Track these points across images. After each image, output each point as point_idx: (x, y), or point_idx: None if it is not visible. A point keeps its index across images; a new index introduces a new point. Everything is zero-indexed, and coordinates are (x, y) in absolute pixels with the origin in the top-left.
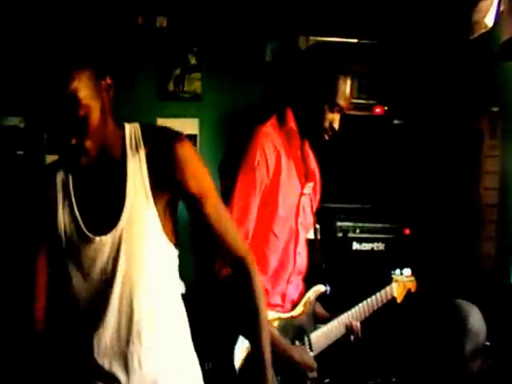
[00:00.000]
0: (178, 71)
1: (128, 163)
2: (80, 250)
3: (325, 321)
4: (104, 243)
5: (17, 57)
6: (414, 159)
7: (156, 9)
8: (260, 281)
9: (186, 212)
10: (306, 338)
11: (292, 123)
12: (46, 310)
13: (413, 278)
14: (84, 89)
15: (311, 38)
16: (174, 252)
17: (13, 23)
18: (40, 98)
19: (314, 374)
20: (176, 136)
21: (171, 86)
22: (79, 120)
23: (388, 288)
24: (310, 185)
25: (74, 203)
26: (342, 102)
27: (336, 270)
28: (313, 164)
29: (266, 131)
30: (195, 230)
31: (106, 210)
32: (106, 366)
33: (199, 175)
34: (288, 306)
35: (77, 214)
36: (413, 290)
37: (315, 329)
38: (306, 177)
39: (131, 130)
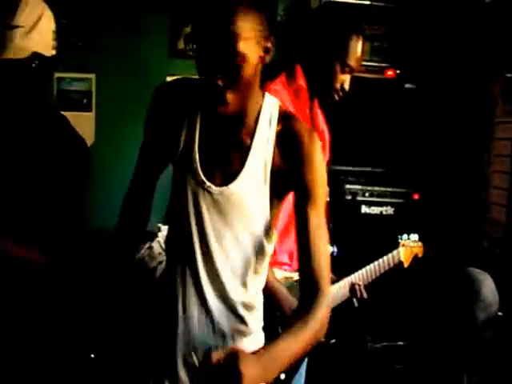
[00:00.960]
0: (188, 29)
1: (256, 133)
2: (188, 189)
3: (331, 282)
4: (213, 192)
5: None
6: (425, 124)
7: None
8: (324, 316)
9: None
10: None
11: (301, 80)
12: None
13: (420, 243)
14: (247, 38)
15: None
16: (270, 241)
17: None
18: (204, 28)
19: None
20: (311, 133)
21: (181, 44)
22: (232, 67)
23: (395, 252)
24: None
25: (197, 142)
26: (352, 62)
27: (344, 232)
28: (321, 124)
29: (274, 89)
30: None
31: (223, 165)
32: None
33: (318, 178)
34: (295, 265)
35: (196, 155)
36: (420, 255)
37: None
38: None
39: (270, 102)
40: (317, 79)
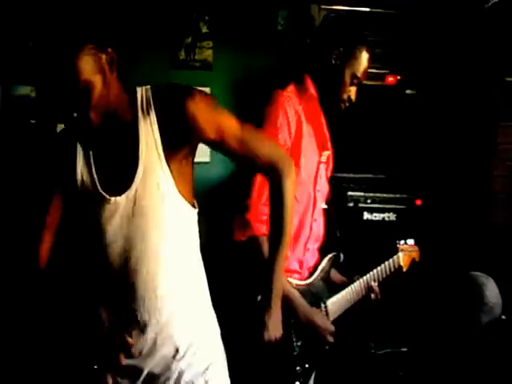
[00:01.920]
0: (189, 40)
1: (139, 125)
2: (96, 209)
3: (339, 288)
4: (118, 203)
5: (22, 26)
6: (427, 129)
7: None
8: (292, 182)
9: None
10: (322, 305)
11: (312, 89)
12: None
13: (416, 248)
14: (83, 64)
15: (323, 6)
16: (192, 211)
17: None
18: (42, 71)
19: (332, 339)
20: (183, 90)
21: (182, 55)
22: (79, 95)
23: (395, 257)
24: (326, 153)
25: (93, 163)
26: (361, 74)
27: (347, 239)
28: (326, 133)
29: (287, 95)
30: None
31: (120, 171)
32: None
33: (213, 119)
34: (305, 273)
35: (94, 174)
36: (417, 259)
37: (331, 296)
38: (322, 145)
39: (142, 92)
40: (325, 90)
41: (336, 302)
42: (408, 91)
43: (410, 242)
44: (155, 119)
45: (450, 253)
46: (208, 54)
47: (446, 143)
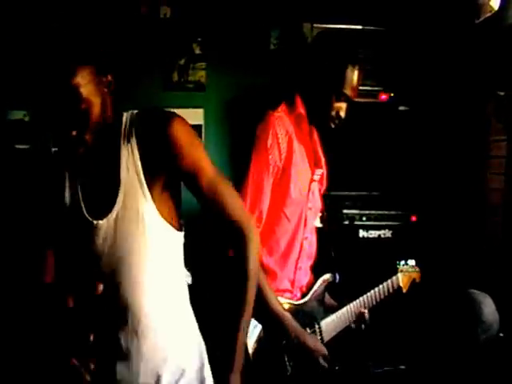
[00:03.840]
0: (182, 61)
1: (121, 149)
2: (81, 232)
3: (333, 310)
4: (100, 227)
5: (20, 50)
6: (420, 145)
7: None
8: (256, 248)
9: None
10: (316, 326)
11: (301, 109)
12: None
13: (417, 269)
14: (86, 84)
15: (315, 25)
16: (176, 236)
17: (16, 16)
18: (43, 92)
19: (325, 363)
20: (164, 115)
21: (175, 76)
22: (80, 114)
23: (394, 278)
24: (320, 172)
25: (79, 188)
26: (349, 91)
27: (343, 257)
28: (320, 151)
29: (278, 115)
30: (203, 210)
31: (103, 195)
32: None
33: (191, 150)
34: (297, 292)
35: (80, 196)
36: (417, 280)
37: (325, 316)
38: (315, 163)
39: (126, 117)
40: (313, 107)
41: (330, 323)
42: (401, 107)
43: (411, 262)
44: (136, 144)
45: (447, 268)
46: (201, 74)
47: (439, 158)
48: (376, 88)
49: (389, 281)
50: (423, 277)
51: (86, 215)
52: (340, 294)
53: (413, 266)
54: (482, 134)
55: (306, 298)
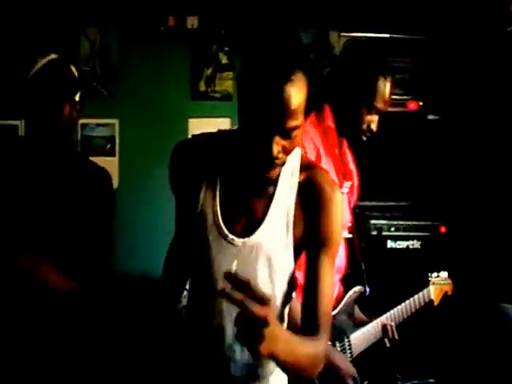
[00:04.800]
0: (209, 71)
1: (279, 183)
2: (208, 241)
3: (363, 324)
4: (236, 243)
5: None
6: (450, 155)
7: (187, 8)
8: (322, 356)
9: None
10: (345, 339)
11: (329, 121)
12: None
13: (450, 281)
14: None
15: (343, 33)
16: (292, 289)
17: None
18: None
19: (352, 383)
20: (330, 181)
21: (203, 86)
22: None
23: (425, 291)
24: (348, 184)
25: (218, 195)
26: (380, 104)
27: (371, 269)
28: (351, 164)
29: (305, 130)
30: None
31: (245, 217)
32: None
33: (335, 227)
34: None
35: (218, 208)
36: (449, 292)
37: (354, 330)
38: (343, 176)
39: (292, 154)
40: (344, 120)
41: (360, 337)
42: (430, 116)
43: (444, 274)
44: (296, 187)
45: (478, 281)
46: (228, 84)
47: (469, 168)
48: (405, 97)
49: (420, 293)
50: (456, 293)
51: (224, 229)
52: (370, 307)
53: (445, 278)
54: None
55: (335, 312)
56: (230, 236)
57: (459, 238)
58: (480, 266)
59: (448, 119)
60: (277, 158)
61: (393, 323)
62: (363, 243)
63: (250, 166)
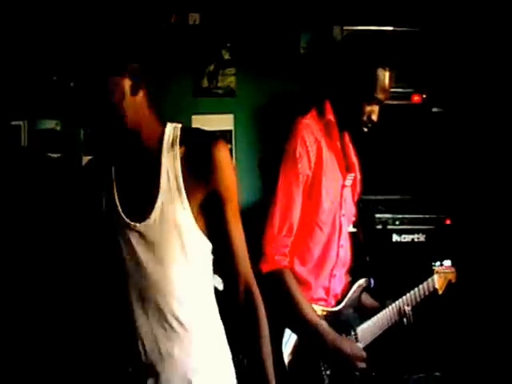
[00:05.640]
0: (211, 67)
1: (162, 158)
2: (117, 235)
3: (373, 312)
4: (138, 229)
5: (51, 59)
6: (454, 147)
7: (189, 5)
8: (260, 300)
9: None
10: (352, 332)
11: (330, 115)
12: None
13: (453, 269)
14: (118, 92)
15: (346, 27)
16: (208, 246)
17: (46, 25)
18: (77, 100)
19: (363, 365)
20: (213, 138)
21: (205, 82)
22: (115, 120)
23: (430, 280)
24: (351, 176)
25: (115, 193)
26: (380, 95)
27: (376, 262)
28: (353, 157)
29: (306, 123)
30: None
31: (141, 200)
32: (141, 350)
33: (230, 179)
34: (332, 300)
35: (117, 202)
36: (453, 280)
37: (361, 322)
38: (346, 168)
39: (171, 128)
40: (344, 112)
41: (367, 329)
42: (434, 109)
43: (447, 263)
44: (179, 156)
45: (484, 272)
46: (231, 80)
47: (473, 160)
48: (408, 90)
49: (425, 283)
50: (460, 281)
51: (124, 218)
52: (376, 299)
53: (448, 266)
54: None
55: (341, 305)
56: (132, 223)
57: (464, 229)
58: (485, 257)
59: (452, 112)
60: None
61: (409, 308)
62: (367, 237)
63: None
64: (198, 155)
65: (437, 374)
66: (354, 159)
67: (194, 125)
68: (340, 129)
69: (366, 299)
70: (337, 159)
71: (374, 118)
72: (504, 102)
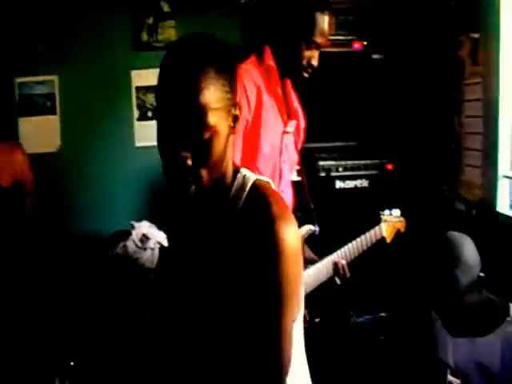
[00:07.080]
0: (150, 20)
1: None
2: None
3: (313, 262)
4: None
5: None
6: (395, 93)
7: None
8: None
9: None
10: None
11: (270, 61)
12: None
13: (402, 218)
14: (218, 103)
15: None
16: None
17: None
18: (169, 102)
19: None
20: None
21: (145, 36)
22: (203, 139)
23: (377, 228)
24: (293, 123)
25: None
26: (319, 39)
27: (321, 209)
28: (295, 103)
29: (245, 68)
30: None
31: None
32: None
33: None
34: None
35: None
36: (402, 229)
37: (305, 268)
38: (288, 115)
39: (240, 176)
40: (284, 58)
41: (310, 276)
42: (375, 56)
43: (396, 212)
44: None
45: (425, 214)
46: (171, 33)
47: (414, 105)
48: (349, 37)
49: (371, 231)
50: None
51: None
52: (320, 246)
53: (397, 216)
54: (457, 79)
55: None
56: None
57: (406, 173)
58: (425, 198)
59: (392, 58)
60: None
61: (344, 261)
62: (311, 185)
63: None
64: (254, 226)
65: (382, 314)
66: (297, 106)
67: (134, 79)
68: (281, 75)
69: (306, 251)
70: (278, 105)
71: (314, 62)
72: (443, 49)
